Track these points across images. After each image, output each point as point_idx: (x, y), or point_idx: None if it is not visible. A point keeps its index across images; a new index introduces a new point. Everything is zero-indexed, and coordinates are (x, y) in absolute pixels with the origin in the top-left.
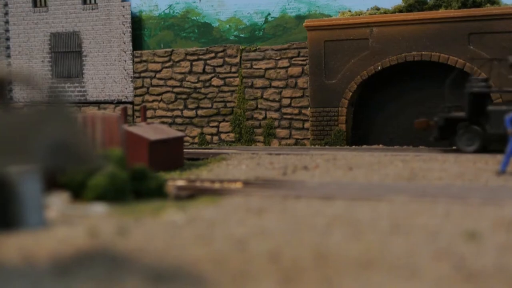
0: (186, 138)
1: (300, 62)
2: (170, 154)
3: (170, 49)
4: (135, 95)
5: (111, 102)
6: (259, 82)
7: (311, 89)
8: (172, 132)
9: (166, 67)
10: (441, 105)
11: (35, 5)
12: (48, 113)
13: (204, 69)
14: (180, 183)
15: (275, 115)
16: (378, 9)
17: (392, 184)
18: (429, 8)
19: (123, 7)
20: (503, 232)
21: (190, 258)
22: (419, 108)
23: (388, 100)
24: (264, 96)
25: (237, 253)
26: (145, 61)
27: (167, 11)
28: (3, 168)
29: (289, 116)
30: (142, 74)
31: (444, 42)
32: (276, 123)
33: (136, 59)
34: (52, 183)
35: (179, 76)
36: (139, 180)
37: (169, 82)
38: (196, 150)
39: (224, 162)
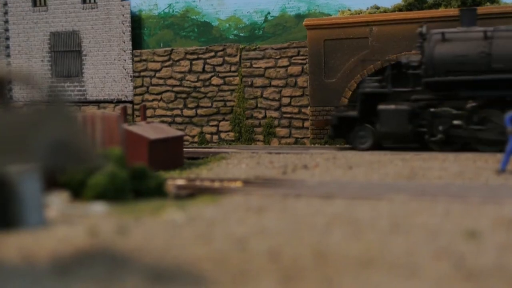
0: (186, 137)
1: (300, 61)
2: (170, 153)
3: (169, 48)
4: (135, 94)
5: (110, 102)
6: (258, 81)
7: (311, 88)
8: (171, 131)
9: (166, 66)
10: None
11: (34, 4)
12: (47, 113)
13: (203, 68)
14: (180, 182)
15: (275, 114)
16: (377, 8)
17: (392, 183)
18: (429, 7)
19: (123, 6)
20: (503, 231)
21: (190, 258)
22: None
23: None
24: (264, 95)
25: (237, 252)
26: (144, 60)
27: (166, 10)
28: (3, 167)
29: (289, 115)
30: (142, 73)
31: None
32: (276, 122)
33: (136, 58)
34: (52, 183)
35: (179, 75)
36: (139, 179)
37: (169, 81)
38: (196, 149)
39: (224, 161)
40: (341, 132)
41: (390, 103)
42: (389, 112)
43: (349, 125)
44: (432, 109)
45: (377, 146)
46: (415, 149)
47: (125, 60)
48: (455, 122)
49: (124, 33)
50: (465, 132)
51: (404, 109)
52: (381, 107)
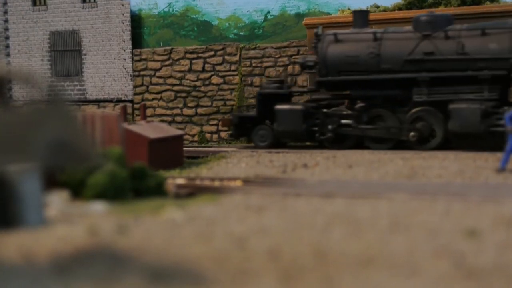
0: (186, 137)
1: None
2: (169, 153)
3: (169, 48)
4: (135, 94)
5: (110, 101)
6: (258, 80)
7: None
8: (171, 131)
9: (166, 66)
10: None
11: (34, 3)
12: (47, 112)
13: (203, 67)
14: (180, 181)
15: None
16: (377, 6)
17: (392, 182)
18: (429, 6)
19: (123, 5)
20: (503, 229)
21: (190, 257)
22: None
23: None
24: None
25: (237, 251)
26: (144, 59)
27: (166, 10)
28: (3, 167)
29: None
30: (142, 73)
31: None
32: None
33: (136, 58)
34: (51, 182)
35: (179, 75)
36: (138, 179)
37: (169, 81)
38: (196, 149)
39: (223, 160)
40: (243, 131)
41: (286, 103)
42: (284, 111)
43: (252, 124)
44: (324, 110)
45: (277, 144)
46: (313, 146)
47: (125, 59)
48: (344, 121)
49: (124, 32)
50: (356, 131)
51: (298, 109)
52: (277, 107)
